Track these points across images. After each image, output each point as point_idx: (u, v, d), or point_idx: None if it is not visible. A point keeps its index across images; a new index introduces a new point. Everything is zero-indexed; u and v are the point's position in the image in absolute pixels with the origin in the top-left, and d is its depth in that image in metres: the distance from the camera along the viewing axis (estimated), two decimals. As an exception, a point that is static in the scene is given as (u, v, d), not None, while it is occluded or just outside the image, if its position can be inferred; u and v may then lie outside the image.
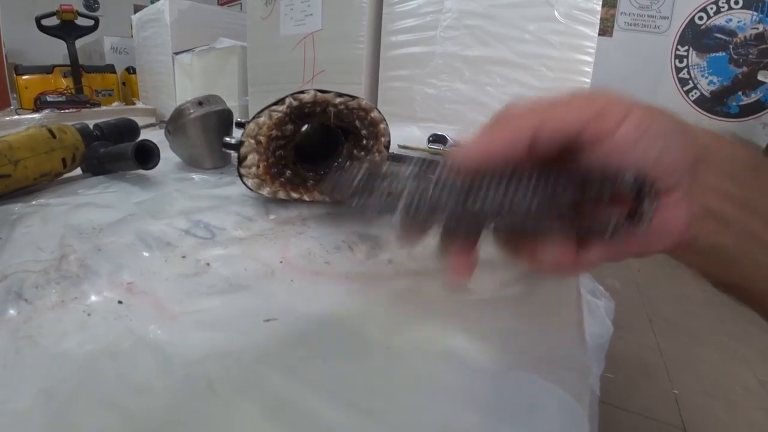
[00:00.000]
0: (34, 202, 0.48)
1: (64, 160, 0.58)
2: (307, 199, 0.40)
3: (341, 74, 1.56)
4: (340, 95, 0.38)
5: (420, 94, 1.38)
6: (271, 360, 0.21)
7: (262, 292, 0.25)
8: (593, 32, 1.16)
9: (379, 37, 1.48)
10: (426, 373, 0.21)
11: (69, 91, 2.75)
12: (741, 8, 3.09)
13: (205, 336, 0.22)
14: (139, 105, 2.65)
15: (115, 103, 2.71)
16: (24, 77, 3.13)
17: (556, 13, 1.16)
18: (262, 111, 0.37)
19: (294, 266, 0.29)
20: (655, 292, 1.63)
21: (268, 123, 0.36)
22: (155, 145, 0.57)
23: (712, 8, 3.16)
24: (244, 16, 1.97)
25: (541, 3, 1.17)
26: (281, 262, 0.30)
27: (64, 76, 3.12)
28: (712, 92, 3.21)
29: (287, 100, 0.36)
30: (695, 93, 3.27)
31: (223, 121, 0.63)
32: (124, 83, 3.59)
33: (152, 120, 2.30)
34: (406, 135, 0.88)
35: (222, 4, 5.68)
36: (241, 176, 0.39)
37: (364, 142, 0.41)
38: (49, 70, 3.22)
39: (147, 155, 0.56)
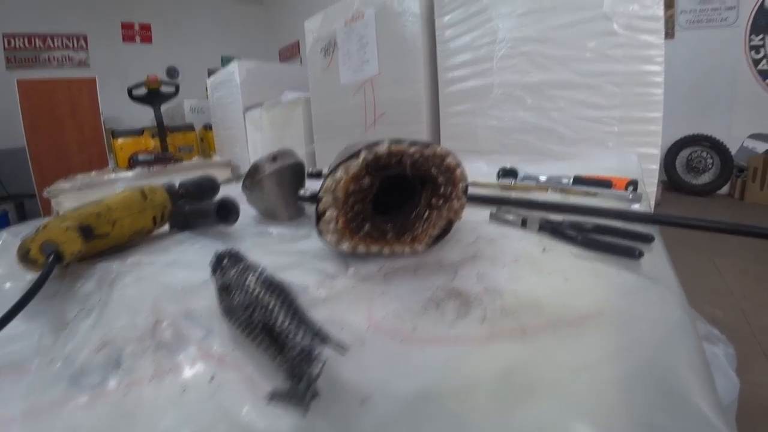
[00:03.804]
0: (129, 260, 0.52)
1: (154, 218, 0.63)
2: (387, 252, 0.39)
3: (402, 114, 1.60)
4: (414, 143, 0.37)
5: (482, 127, 1.36)
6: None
7: (354, 367, 0.23)
8: (659, 39, 1.07)
9: (436, 74, 1.50)
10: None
11: (157, 150, 3.08)
12: (816, -18, 2.75)
13: (299, 425, 0.20)
14: (216, 158, 2.88)
15: (195, 158, 2.98)
16: (119, 140, 3.59)
17: (615, 26, 1.10)
18: (338, 165, 0.37)
19: (382, 332, 0.28)
20: (766, 320, 1.40)
21: (345, 178, 0.36)
22: (235, 202, 0.60)
23: None
24: (305, 69, 2.10)
25: (597, 18, 1.12)
26: (368, 327, 0.28)
27: (152, 137, 3.52)
28: (801, 80, 2.90)
29: (362, 154, 0.36)
30: (782, 84, 2.96)
31: (297, 174, 0.65)
32: (202, 139, 3.96)
33: (228, 171, 2.49)
34: (473, 170, 0.84)
35: (283, 60, 6.17)
36: (320, 232, 0.39)
37: (442, 189, 0.39)
38: (139, 132, 3.66)
39: (228, 212, 0.59)
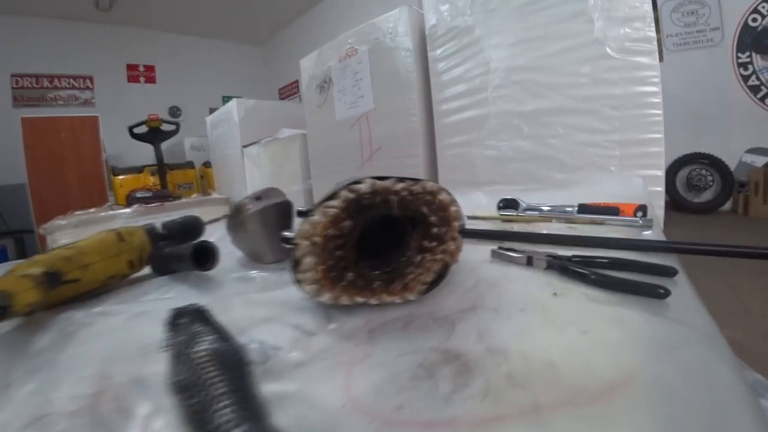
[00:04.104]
0: (95, 310, 0.48)
1: (131, 262, 0.59)
2: (374, 302, 0.34)
3: (399, 148, 1.58)
4: (402, 180, 0.33)
5: (480, 158, 1.33)
6: None
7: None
8: (653, 60, 1.07)
9: (431, 107, 1.50)
10: None
11: (155, 187, 3.07)
12: (796, -2, 2.82)
13: None
14: (214, 195, 2.86)
15: (194, 195, 2.96)
16: (119, 177, 3.61)
17: (608, 50, 1.09)
18: (316, 207, 0.33)
19: (360, 411, 0.22)
20: None
21: (323, 222, 0.32)
22: (214, 246, 0.56)
23: (764, 7, 2.96)
24: (303, 106, 2.11)
25: (589, 43, 1.12)
26: (344, 405, 0.23)
27: (152, 174, 3.54)
28: (792, 93, 2.94)
29: (342, 194, 0.32)
30: (773, 98, 2.99)
31: (283, 213, 0.61)
32: (202, 176, 3.99)
33: (226, 208, 2.46)
34: (472, 203, 0.81)
35: (283, 99, 6.31)
36: (297, 282, 0.34)
37: (435, 230, 0.35)
38: (139, 170, 3.69)
39: (205, 256, 0.55)
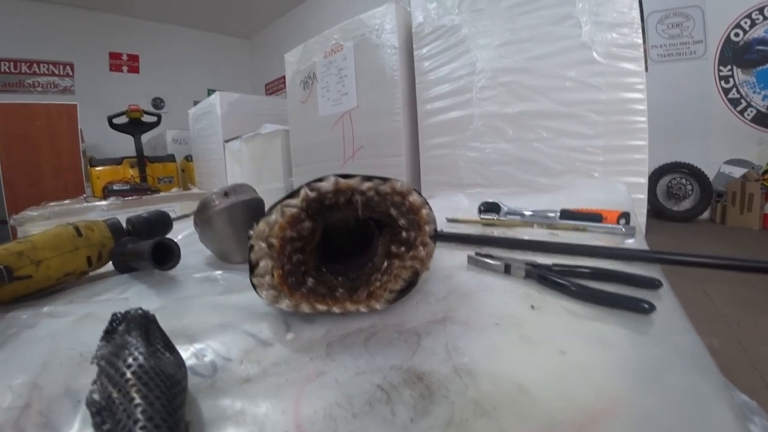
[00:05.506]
0: (44, 309, 0.45)
1: (89, 259, 0.56)
2: (337, 311, 0.31)
3: (381, 147, 1.56)
4: (369, 179, 0.30)
5: (463, 159, 1.31)
6: None
7: None
8: (639, 67, 1.07)
9: (415, 106, 1.47)
10: None
11: (134, 180, 2.99)
12: (776, 16, 2.91)
13: None
14: (194, 190, 2.79)
15: (174, 189, 2.88)
16: (97, 168, 3.50)
17: (594, 55, 1.09)
18: (274, 206, 0.30)
19: (307, 443, 0.20)
20: (765, 349, 1.33)
21: (281, 222, 0.29)
22: (175, 244, 0.52)
23: (746, 23, 3.06)
24: (286, 101, 2.07)
25: (576, 47, 1.11)
26: (290, 434, 0.20)
27: (131, 167, 3.43)
28: (769, 107, 3.03)
29: (302, 192, 0.29)
30: (751, 111, 3.09)
31: (252, 211, 0.58)
32: (183, 170, 3.89)
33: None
34: (453, 206, 0.79)
35: (270, 94, 6.22)
36: (254, 287, 0.32)
37: (404, 234, 0.32)
38: (118, 161, 3.58)
39: (165, 255, 0.51)
